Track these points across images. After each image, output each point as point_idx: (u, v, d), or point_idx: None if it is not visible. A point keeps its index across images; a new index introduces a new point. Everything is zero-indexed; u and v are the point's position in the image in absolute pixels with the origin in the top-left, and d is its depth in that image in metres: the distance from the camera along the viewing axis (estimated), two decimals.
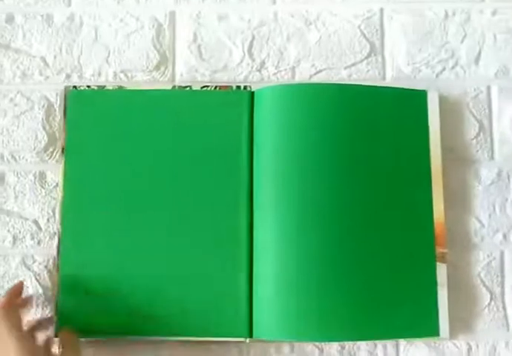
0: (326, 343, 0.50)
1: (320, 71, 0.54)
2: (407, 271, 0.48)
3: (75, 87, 0.53)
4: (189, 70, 0.54)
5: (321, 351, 0.50)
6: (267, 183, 0.48)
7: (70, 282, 0.49)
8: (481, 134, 0.53)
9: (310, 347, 0.50)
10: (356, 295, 0.47)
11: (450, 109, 0.53)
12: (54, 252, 0.51)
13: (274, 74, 0.54)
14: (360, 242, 0.48)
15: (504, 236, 0.51)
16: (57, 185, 0.52)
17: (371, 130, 0.49)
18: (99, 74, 0.54)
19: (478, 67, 0.53)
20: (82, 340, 0.48)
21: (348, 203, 0.48)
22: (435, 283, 0.49)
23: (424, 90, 0.51)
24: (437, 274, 0.49)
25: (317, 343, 0.50)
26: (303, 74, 0.54)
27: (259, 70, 0.54)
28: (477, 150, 0.53)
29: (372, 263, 0.48)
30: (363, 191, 0.48)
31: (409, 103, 0.51)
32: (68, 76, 0.54)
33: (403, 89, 0.51)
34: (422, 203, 0.50)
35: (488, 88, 0.53)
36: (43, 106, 0.53)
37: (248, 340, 0.48)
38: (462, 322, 0.50)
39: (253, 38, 0.54)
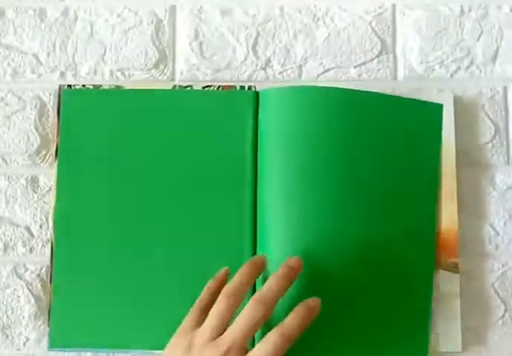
0: None
1: (328, 70, 0.51)
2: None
3: (69, 86, 0.50)
4: (190, 69, 0.52)
5: None
6: (271, 190, 0.46)
7: (64, 291, 0.47)
8: (497, 137, 0.50)
9: None
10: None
11: (465, 110, 0.50)
12: (47, 260, 0.49)
13: (280, 73, 0.51)
14: (362, 254, 0.46)
15: None
16: (50, 189, 0.50)
17: (379, 136, 0.47)
18: (95, 72, 0.52)
19: (494, 66, 0.51)
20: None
21: (352, 210, 0.46)
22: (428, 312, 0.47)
23: (440, 104, 0.49)
24: (450, 284, 0.47)
25: None
26: (311, 73, 0.51)
27: (264, 69, 0.51)
28: (492, 155, 0.50)
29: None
30: (368, 199, 0.46)
31: (423, 116, 0.48)
32: (62, 74, 0.52)
33: (417, 101, 0.49)
34: (425, 215, 0.48)
35: (505, 89, 0.51)
36: (35, 106, 0.51)
37: None
38: (475, 334, 0.48)
39: (258, 34, 0.52)
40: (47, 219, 0.50)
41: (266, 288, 0.39)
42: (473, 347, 0.48)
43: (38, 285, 0.49)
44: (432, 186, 0.48)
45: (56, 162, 0.49)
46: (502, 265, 0.49)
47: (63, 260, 0.48)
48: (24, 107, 0.51)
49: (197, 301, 0.41)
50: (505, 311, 0.49)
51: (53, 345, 0.47)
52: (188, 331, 0.39)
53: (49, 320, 0.47)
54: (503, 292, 0.49)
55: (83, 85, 0.50)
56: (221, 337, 0.37)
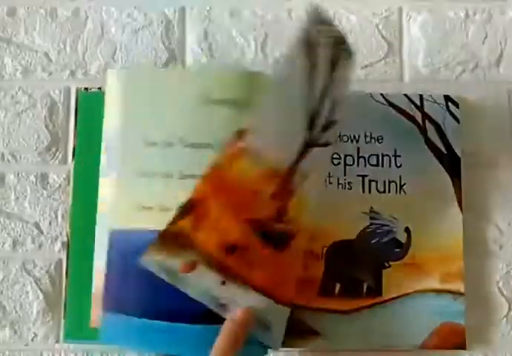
0: None
1: None
2: None
3: (86, 89, 0.52)
4: (199, 69, 0.53)
5: None
6: None
7: (80, 287, 0.48)
8: (502, 140, 0.52)
9: None
10: None
11: (470, 112, 0.52)
12: (56, 257, 0.50)
13: None
14: None
15: None
16: (60, 186, 0.51)
17: None
18: (105, 71, 0.53)
19: (499, 69, 0.53)
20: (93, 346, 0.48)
21: None
22: None
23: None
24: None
25: None
26: None
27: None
28: (497, 156, 0.52)
29: None
30: None
31: None
32: (73, 73, 0.53)
33: None
34: None
35: (509, 92, 0.53)
36: (46, 104, 0.53)
37: None
38: (479, 333, 0.50)
39: (266, 35, 0.53)
40: (56, 216, 0.51)
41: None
42: (477, 346, 0.50)
43: (47, 281, 0.50)
44: None
45: (73, 162, 0.51)
46: (506, 265, 0.51)
47: (78, 256, 0.49)
48: (35, 105, 0.52)
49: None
50: (509, 309, 0.50)
51: (67, 336, 0.48)
52: None
53: (64, 311, 0.49)
54: (507, 291, 0.50)
55: (99, 88, 0.51)
56: None
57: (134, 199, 0.45)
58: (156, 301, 0.44)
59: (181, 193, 0.43)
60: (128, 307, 0.44)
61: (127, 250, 0.45)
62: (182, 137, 0.45)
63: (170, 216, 0.42)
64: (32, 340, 0.50)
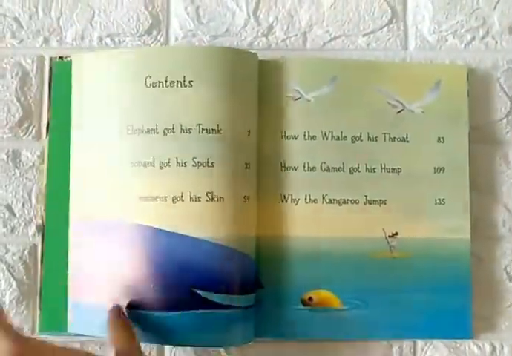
0: None
1: (334, 38, 0.50)
2: None
3: (61, 58, 0.48)
4: (185, 35, 0.50)
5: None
6: None
7: (56, 275, 0.46)
8: None
9: None
10: None
11: (479, 84, 0.49)
12: (30, 241, 0.47)
13: (283, 40, 0.50)
14: None
15: None
16: (33, 165, 0.48)
17: None
18: (82, 38, 0.49)
19: (511, 37, 0.50)
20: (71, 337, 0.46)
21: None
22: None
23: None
24: None
25: None
26: (316, 41, 0.50)
27: (265, 36, 0.50)
28: (507, 131, 0.50)
29: None
30: None
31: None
32: (46, 40, 0.49)
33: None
34: None
35: None
36: (16, 74, 0.49)
37: None
38: (486, 321, 0.48)
39: None
40: (30, 197, 0.48)
41: None
42: (484, 334, 0.48)
43: (21, 268, 0.47)
44: None
45: (48, 137, 0.47)
46: None
47: (54, 241, 0.46)
48: (4, 76, 0.49)
49: None
50: None
51: (42, 328, 0.46)
52: None
53: (40, 301, 0.46)
54: None
55: None
56: None
57: (89, 189, 0.45)
58: (120, 290, 0.43)
59: (134, 181, 0.44)
60: (94, 297, 0.44)
61: (87, 240, 0.45)
62: (131, 124, 0.44)
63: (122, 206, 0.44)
64: None
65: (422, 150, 0.47)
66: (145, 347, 0.47)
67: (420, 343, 0.48)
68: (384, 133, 0.47)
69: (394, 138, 0.47)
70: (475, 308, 0.47)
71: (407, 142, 0.47)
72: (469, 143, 0.48)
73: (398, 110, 0.47)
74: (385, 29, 0.50)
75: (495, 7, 0.50)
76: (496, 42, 0.50)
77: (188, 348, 0.47)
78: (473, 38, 0.50)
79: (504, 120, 0.49)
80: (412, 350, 0.48)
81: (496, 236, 0.49)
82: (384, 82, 0.47)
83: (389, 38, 0.50)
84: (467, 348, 0.48)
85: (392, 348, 0.47)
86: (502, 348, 0.48)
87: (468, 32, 0.50)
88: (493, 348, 0.48)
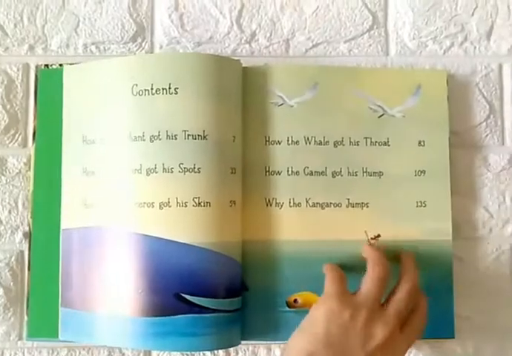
0: None
1: (316, 45, 0.51)
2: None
3: (46, 65, 0.48)
4: (170, 42, 0.50)
5: None
6: None
7: (43, 282, 0.46)
8: (492, 117, 0.51)
9: None
10: None
11: (458, 89, 0.50)
12: (17, 248, 0.48)
13: (266, 47, 0.50)
14: None
15: None
16: (19, 172, 0.48)
17: None
18: (67, 46, 0.50)
19: (489, 42, 0.51)
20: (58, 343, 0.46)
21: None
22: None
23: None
24: None
25: None
26: (298, 48, 0.50)
27: (249, 43, 0.50)
28: (486, 135, 0.51)
29: None
30: None
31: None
32: (31, 48, 0.50)
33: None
34: None
35: (500, 66, 0.51)
36: (2, 82, 0.49)
37: None
38: (468, 321, 0.49)
39: (242, 6, 0.51)
40: (16, 204, 0.48)
41: None
42: (467, 335, 0.49)
43: (8, 274, 0.47)
44: None
45: (34, 145, 0.48)
46: (496, 249, 0.50)
47: (42, 247, 0.47)
48: None
49: (335, 272, 0.43)
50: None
51: (30, 335, 0.46)
52: (343, 298, 0.41)
53: (27, 307, 0.47)
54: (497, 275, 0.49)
55: (60, 64, 0.48)
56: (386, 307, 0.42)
57: (77, 198, 0.46)
58: (109, 297, 0.44)
59: (122, 188, 0.44)
60: (84, 303, 0.45)
61: (76, 248, 0.46)
62: (118, 132, 0.45)
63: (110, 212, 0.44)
64: None
65: (403, 153, 0.48)
66: (132, 352, 0.48)
67: None
68: (366, 138, 0.48)
69: (375, 142, 0.48)
70: (457, 309, 0.48)
71: (388, 145, 0.48)
72: (449, 147, 0.49)
73: (379, 114, 0.48)
74: (366, 35, 0.51)
75: (473, 14, 0.51)
76: (475, 48, 0.51)
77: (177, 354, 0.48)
78: (452, 44, 0.51)
79: (484, 124, 0.50)
80: None
81: (476, 237, 0.50)
82: (365, 88, 0.48)
83: (370, 45, 0.51)
84: (449, 347, 0.49)
85: None
86: (484, 347, 0.49)
87: (447, 38, 0.51)
88: (476, 347, 0.49)
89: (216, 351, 0.48)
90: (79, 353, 0.47)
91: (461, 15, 0.51)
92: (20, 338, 0.47)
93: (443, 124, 0.49)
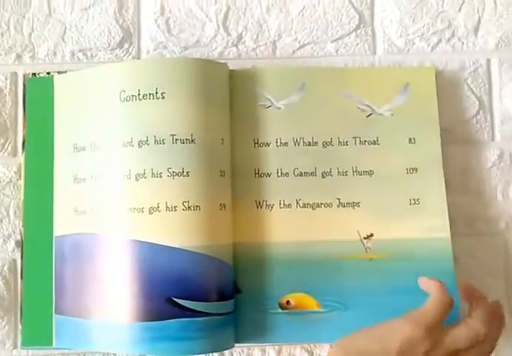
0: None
1: (303, 46, 0.51)
2: None
3: (34, 74, 0.49)
4: (157, 47, 0.51)
5: (311, 354, 0.48)
6: None
7: (36, 290, 0.46)
8: (481, 112, 0.51)
9: (299, 350, 0.48)
10: None
11: (447, 85, 0.50)
12: (10, 257, 0.48)
13: (253, 49, 0.51)
14: None
15: (507, 223, 0.50)
16: (10, 181, 0.49)
17: None
18: (55, 54, 0.50)
19: (477, 37, 0.51)
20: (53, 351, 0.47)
21: None
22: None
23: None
24: None
25: (305, 345, 0.48)
26: (285, 49, 0.51)
27: (236, 45, 0.51)
28: (477, 131, 0.51)
29: None
30: None
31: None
32: (19, 57, 0.50)
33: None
34: None
35: (488, 61, 0.51)
36: None
37: None
38: None
39: (228, 9, 0.51)
40: (8, 213, 0.48)
41: None
42: None
43: (1, 283, 0.48)
44: None
45: (23, 156, 0.48)
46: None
47: (34, 255, 0.47)
48: None
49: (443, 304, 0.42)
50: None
51: (25, 343, 0.47)
52: (433, 328, 0.40)
53: (21, 316, 0.47)
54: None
55: (48, 73, 0.49)
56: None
57: (69, 205, 0.46)
58: (102, 302, 0.44)
59: (112, 194, 0.45)
60: (77, 310, 0.45)
61: (68, 255, 0.46)
62: (108, 138, 0.45)
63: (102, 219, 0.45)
64: None
65: (393, 151, 0.48)
66: None
67: None
68: (355, 137, 0.48)
69: (364, 141, 0.48)
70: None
71: (378, 144, 0.48)
72: (441, 143, 0.49)
73: (368, 114, 0.48)
74: (353, 34, 0.51)
75: (460, 9, 0.51)
76: (462, 44, 0.51)
77: None
78: (440, 41, 0.51)
79: (474, 119, 0.51)
80: None
81: (472, 233, 0.50)
82: (352, 88, 0.48)
83: (357, 44, 0.51)
84: None
85: None
86: None
87: (435, 34, 0.51)
88: None
89: (210, 355, 0.48)
90: None
91: (447, 11, 0.51)
92: (15, 347, 0.47)
93: (433, 120, 0.49)
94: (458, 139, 0.50)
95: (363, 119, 0.48)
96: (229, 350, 0.48)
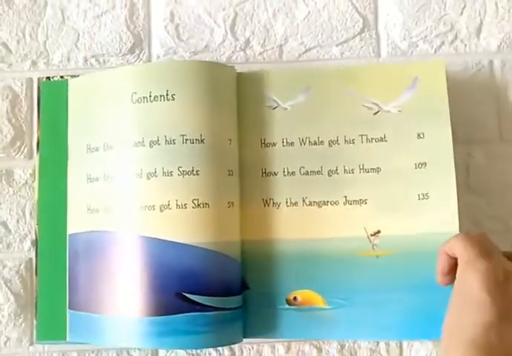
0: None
1: (309, 49, 0.52)
2: None
3: (48, 78, 0.51)
4: (166, 53, 0.52)
5: (319, 350, 0.49)
6: None
7: (51, 285, 0.48)
8: (485, 113, 0.52)
9: (308, 346, 0.49)
10: None
11: (450, 86, 0.51)
12: (26, 256, 0.49)
13: (260, 54, 0.52)
14: None
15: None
16: (26, 182, 0.50)
17: None
18: (68, 60, 0.52)
19: (479, 40, 0.52)
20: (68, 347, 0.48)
21: None
22: None
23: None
24: None
25: (314, 342, 0.49)
26: (292, 53, 0.52)
27: (243, 50, 0.52)
28: (479, 131, 0.52)
29: None
30: None
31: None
32: (34, 63, 0.52)
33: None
34: None
35: (491, 63, 0.52)
36: (7, 97, 0.52)
37: None
38: None
39: (236, 15, 0.53)
40: (24, 214, 0.50)
41: None
42: None
43: (18, 281, 0.49)
44: None
45: (37, 157, 0.50)
46: None
47: (48, 253, 0.48)
48: None
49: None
50: None
51: (39, 338, 0.48)
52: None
53: (36, 312, 0.48)
54: None
55: (61, 76, 0.51)
56: None
57: (82, 204, 0.48)
58: (113, 298, 0.46)
59: (125, 193, 0.46)
60: (89, 305, 0.46)
61: (82, 252, 0.48)
62: (120, 139, 0.47)
63: (114, 216, 0.46)
64: (5, 344, 0.49)
65: (401, 147, 0.48)
66: (140, 354, 0.49)
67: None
68: (361, 135, 0.48)
69: (372, 139, 0.48)
70: None
71: (385, 141, 0.48)
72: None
73: (374, 111, 0.48)
74: (357, 38, 0.52)
75: (462, 13, 0.53)
76: (465, 46, 0.53)
77: (182, 351, 0.49)
78: (443, 43, 0.53)
79: (477, 119, 0.52)
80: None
81: (471, 228, 0.50)
82: (359, 86, 0.49)
83: (362, 47, 0.52)
84: None
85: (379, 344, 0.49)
86: None
87: (438, 37, 0.53)
88: None
89: (221, 351, 0.49)
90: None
91: (450, 14, 0.53)
92: (31, 343, 0.49)
93: (443, 114, 0.48)
94: (468, 137, 0.51)
95: (371, 117, 0.48)
96: (239, 347, 0.49)
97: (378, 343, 0.49)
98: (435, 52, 0.52)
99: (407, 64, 0.51)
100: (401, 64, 0.51)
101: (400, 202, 0.47)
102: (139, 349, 0.49)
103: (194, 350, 0.49)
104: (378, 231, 0.47)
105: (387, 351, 0.49)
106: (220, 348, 0.49)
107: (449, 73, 0.51)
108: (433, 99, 0.48)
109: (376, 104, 0.49)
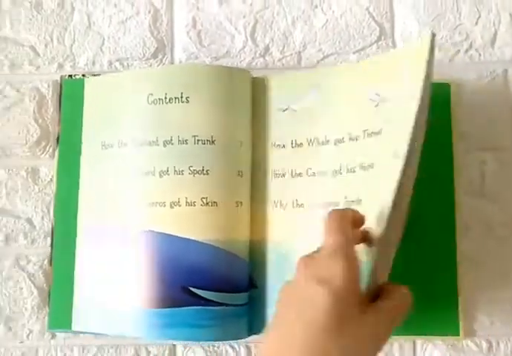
0: None
1: (327, 56, 0.54)
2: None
3: (70, 76, 0.53)
4: (188, 57, 0.54)
5: None
6: None
7: (63, 276, 0.50)
8: (499, 121, 0.53)
9: None
10: None
11: (465, 94, 0.53)
12: (49, 251, 0.52)
13: (279, 60, 0.54)
14: None
15: None
16: (51, 180, 0.52)
17: None
18: (93, 63, 0.54)
19: (494, 49, 0.54)
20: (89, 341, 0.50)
21: None
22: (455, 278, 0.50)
23: (447, 83, 0.52)
24: None
25: None
26: (310, 59, 0.54)
27: (263, 56, 0.54)
28: (494, 139, 0.53)
29: None
30: None
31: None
32: (61, 66, 0.54)
33: None
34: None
35: (505, 72, 0.53)
36: (34, 98, 0.54)
37: None
38: (483, 317, 0.50)
39: (256, 22, 0.54)
40: (48, 211, 0.52)
41: None
42: (480, 331, 0.50)
43: (41, 276, 0.51)
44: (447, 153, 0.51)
45: (57, 151, 0.52)
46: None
47: (62, 247, 0.51)
48: (23, 100, 0.54)
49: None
50: None
51: (50, 326, 0.50)
52: None
53: (49, 301, 0.50)
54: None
55: (83, 75, 0.53)
56: None
57: (95, 198, 0.50)
58: (121, 289, 0.48)
59: (137, 189, 0.48)
60: (97, 296, 0.49)
61: (92, 245, 0.50)
62: (134, 137, 0.49)
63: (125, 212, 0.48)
64: (27, 336, 0.51)
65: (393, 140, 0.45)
66: (158, 350, 0.51)
67: (419, 341, 0.51)
68: (364, 131, 0.46)
69: (371, 133, 0.46)
70: (472, 306, 0.50)
71: (380, 134, 0.45)
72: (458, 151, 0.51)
73: (376, 103, 0.46)
74: (374, 45, 0.54)
75: (476, 22, 0.54)
76: (480, 55, 0.54)
77: (199, 349, 0.51)
78: (458, 52, 0.54)
79: (491, 127, 0.53)
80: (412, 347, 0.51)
81: (484, 235, 0.51)
82: (367, 79, 0.47)
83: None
84: (465, 345, 0.50)
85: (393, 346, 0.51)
86: (498, 344, 0.50)
87: (453, 46, 0.54)
88: (490, 344, 0.50)
89: (237, 348, 0.51)
90: (108, 351, 0.51)
91: (465, 24, 0.54)
92: (53, 337, 0.51)
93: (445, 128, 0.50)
94: (475, 146, 0.52)
95: (372, 109, 0.46)
96: (247, 344, 0.51)
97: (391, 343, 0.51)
98: (450, 61, 0.54)
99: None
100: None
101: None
102: (156, 345, 0.51)
103: (210, 347, 0.51)
104: None
105: (401, 353, 0.50)
106: (236, 346, 0.51)
107: (463, 81, 0.53)
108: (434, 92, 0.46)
109: (379, 95, 0.46)
